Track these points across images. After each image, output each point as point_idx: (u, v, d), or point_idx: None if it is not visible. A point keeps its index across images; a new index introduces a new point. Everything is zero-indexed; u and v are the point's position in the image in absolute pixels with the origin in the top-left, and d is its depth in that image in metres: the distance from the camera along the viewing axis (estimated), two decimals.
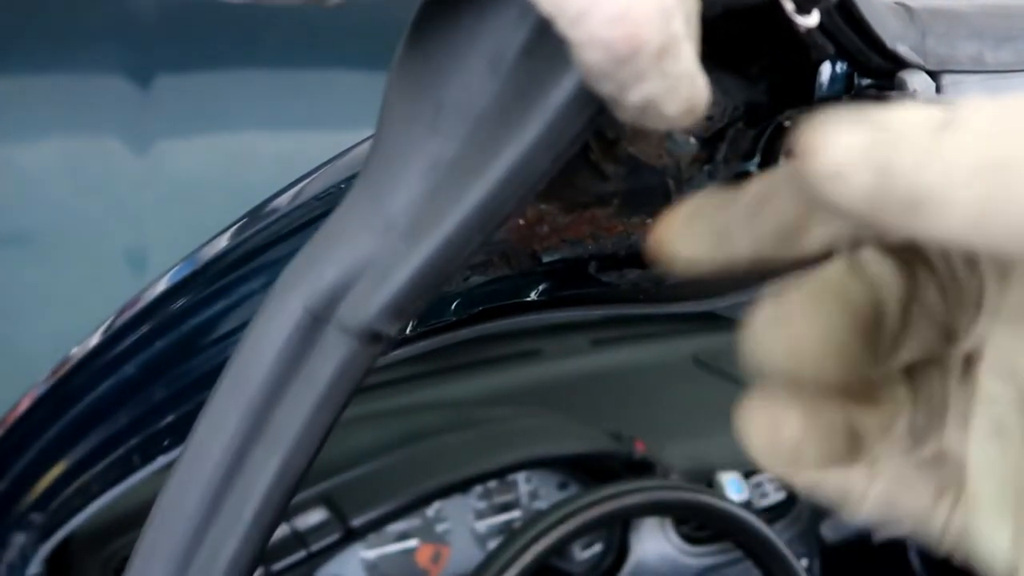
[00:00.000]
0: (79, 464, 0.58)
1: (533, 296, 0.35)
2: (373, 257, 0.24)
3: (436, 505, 0.83)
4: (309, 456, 0.27)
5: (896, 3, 0.30)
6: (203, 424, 0.28)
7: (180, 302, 0.47)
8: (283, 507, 0.27)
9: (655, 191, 0.29)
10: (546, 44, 0.20)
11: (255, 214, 0.42)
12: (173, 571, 0.27)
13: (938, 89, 0.30)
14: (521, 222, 0.35)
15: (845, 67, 0.29)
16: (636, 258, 0.31)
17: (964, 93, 0.31)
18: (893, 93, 0.26)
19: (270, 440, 0.27)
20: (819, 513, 1.04)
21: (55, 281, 1.30)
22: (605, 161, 0.31)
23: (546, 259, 0.34)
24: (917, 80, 0.29)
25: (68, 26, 1.45)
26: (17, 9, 1.39)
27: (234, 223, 0.42)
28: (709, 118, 0.29)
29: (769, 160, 0.27)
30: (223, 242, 0.43)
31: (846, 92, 0.29)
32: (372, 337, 0.25)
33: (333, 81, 1.63)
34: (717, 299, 0.30)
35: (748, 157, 0.27)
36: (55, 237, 1.34)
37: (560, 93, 0.20)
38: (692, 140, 0.28)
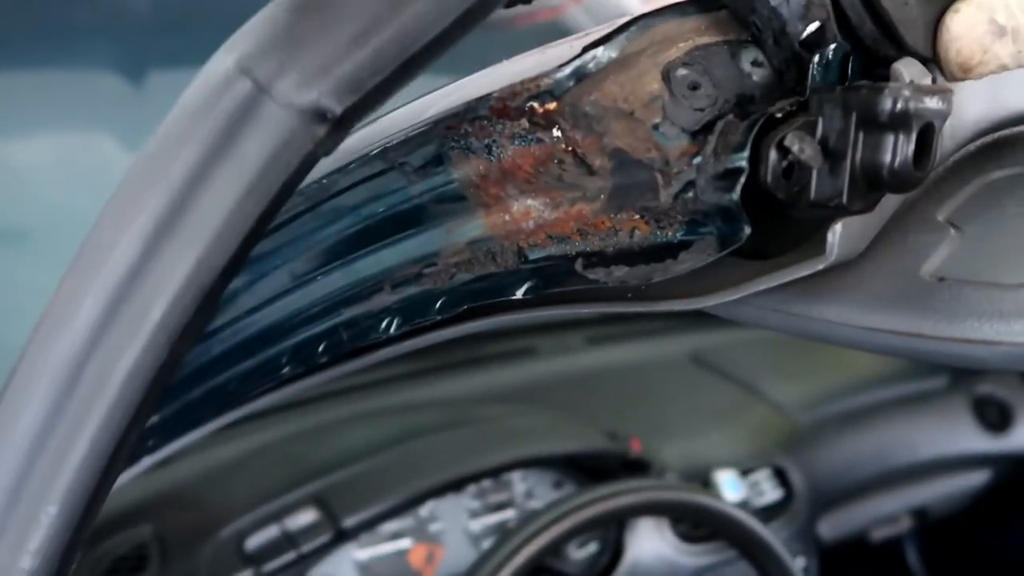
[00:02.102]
0: None
1: (519, 294, 0.34)
2: (328, 31, 0.21)
3: (429, 505, 0.83)
4: (232, 252, 0.22)
5: None
6: (109, 207, 0.23)
7: None
8: (200, 315, 0.23)
9: (643, 185, 0.29)
10: None
11: None
12: (61, 380, 0.23)
13: (935, 79, 0.29)
14: (507, 218, 0.34)
15: (839, 56, 0.28)
16: (624, 255, 0.30)
17: (963, 86, 0.30)
18: (888, 84, 0.25)
19: (189, 224, 0.22)
20: (816, 512, 1.03)
21: (47, 279, 1.29)
22: (592, 155, 0.30)
23: (532, 256, 0.34)
24: (913, 71, 0.28)
25: (60, 22, 1.44)
26: (8, 4, 1.38)
27: None
28: (699, 110, 0.28)
29: (760, 154, 0.26)
30: None
31: (839, 82, 0.28)
32: (319, 115, 0.22)
33: None
34: (705, 297, 0.29)
35: (738, 150, 0.26)
36: (47, 234, 1.33)
37: None
38: (681, 133, 0.28)
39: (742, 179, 0.26)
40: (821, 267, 0.26)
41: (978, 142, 0.30)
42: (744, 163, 0.26)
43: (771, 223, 0.27)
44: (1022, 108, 0.31)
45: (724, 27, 0.30)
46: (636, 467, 0.87)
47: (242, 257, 0.23)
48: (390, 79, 0.22)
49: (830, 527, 1.06)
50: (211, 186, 0.22)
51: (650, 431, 0.91)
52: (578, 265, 0.31)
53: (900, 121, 0.25)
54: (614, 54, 0.29)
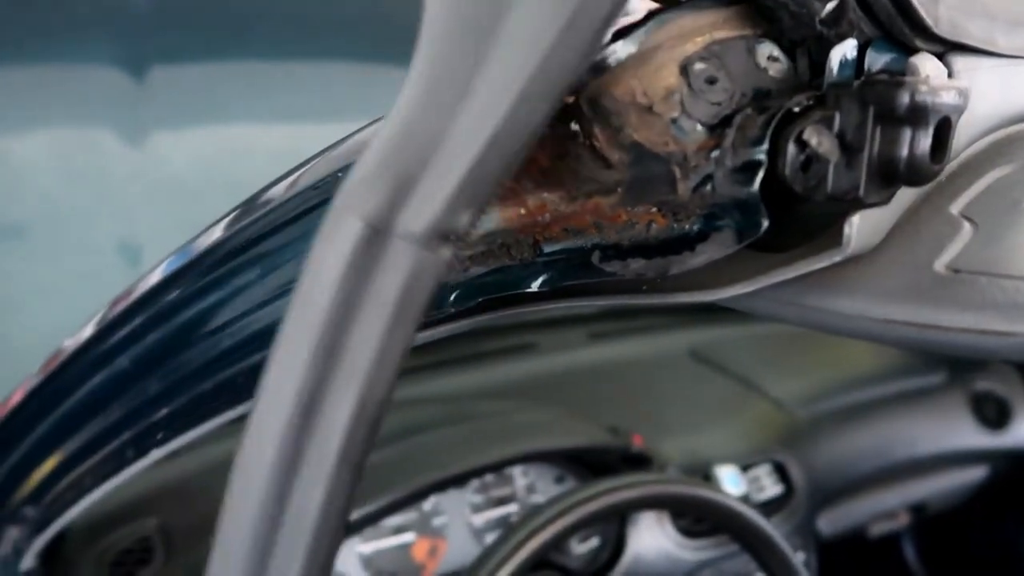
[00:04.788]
0: (73, 457, 0.58)
1: (535, 287, 0.35)
2: (427, 161, 0.23)
3: (432, 499, 0.83)
4: (389, 382, 0.25)
5: None
6: (273, 368, 0.26)
7: (174, 294, 0.46)
8: (370, 442, 0.26)
9: (661, 179, 0.29)
10: None
11: (249, 204, 0.41)
12: (261, 532, 0.26)
13: (950, 74, 0.29)
14: (523, 211, 0.35)
15: (855, 51, 0.28)
16: (640, 247, 0.30)
17: (977, 81, 0.30)
18: (905, 79, 0.26)
19: (346, 370, 0.25)
20: (816, 507, 1.04)
21: (48, 273, 1.29)
22: (610, 148, 0.30)
23: (548, 249, 0.34)
24: (930, 66, 0.28)
25: (61, 17, 1.44)
26: (8, 1, 1.37)
27: (228, 213, 0.42)
28: (716, 103, 0.28)
29: (778, 148, 0.26)
30: (217, 233, 0.42)
31: (856, 77, 0.29)
32: (440, 238, 0.24)
33: (328, 73, 1.62)
34: (721, 290, 0.29)
35: (757, 144, 0.26)
36: (48, 229, 1.33)
37: None
38: (699, 127, 0.28)
39: (761, 172, 0.26)
40: (838, 259, 0.26)
41: (990, 137, 0.31)
42: (763, 156, 0.26)
43: (788, 216, 0.28)
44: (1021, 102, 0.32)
45: (741, 21, 0.30)
46: (637, 462, 0.87)
47: (395, 383, 0.25)
48: (487, 191, 0.24)
49: (829, 522, 1.07)
50: (359, 330, 0.24)
51: (651, 426, 0.92)
52: (595, 258, 0.32)
53: (917, 115, 0.25)
54: (633, 48, 0.29)
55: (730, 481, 0.93)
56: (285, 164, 0.39)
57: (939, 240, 0.27)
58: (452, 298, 0.37)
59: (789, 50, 0.30)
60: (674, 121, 0.28)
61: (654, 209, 0.30)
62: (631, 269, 0.31)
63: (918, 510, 1.17)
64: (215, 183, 1.49)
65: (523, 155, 0.24)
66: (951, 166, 0.30)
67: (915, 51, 0.29)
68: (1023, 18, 0.32)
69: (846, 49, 0.28)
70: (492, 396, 0.92)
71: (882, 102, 0.25)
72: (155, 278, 0.46)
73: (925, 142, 0.25)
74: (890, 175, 0.26)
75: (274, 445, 0.26)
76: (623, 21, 0.30)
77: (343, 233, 0.24)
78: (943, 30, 0.29)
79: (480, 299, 0.36)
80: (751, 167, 0.27)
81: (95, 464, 0.58)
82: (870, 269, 0.27)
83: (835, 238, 0.27)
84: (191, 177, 1.51)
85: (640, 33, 0.29)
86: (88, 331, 0.50)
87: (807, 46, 0.30)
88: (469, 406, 0.91)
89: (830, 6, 0.28)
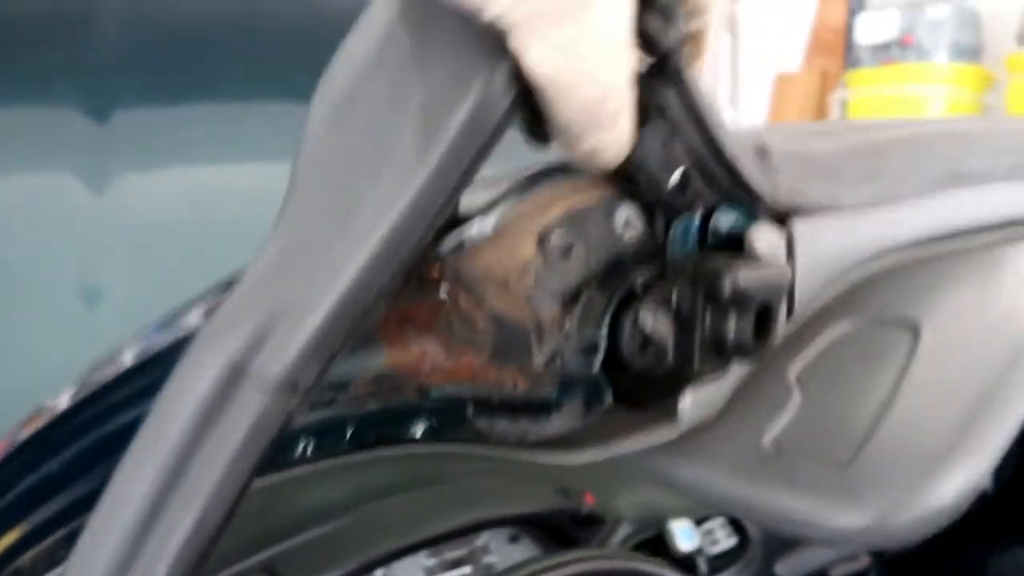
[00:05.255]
0: (35, 532, 0.58)
1: (420, 429, 0.36)
2: (287, 307, 0.25)
3: (384, 568, 0.83)
4: (225, 512, 0.27)
5: (754, 145, 0.31)
6: (117, 480, 0.27)
7: (145, 379, 0.47)
8: (198, 565, 0.27)
9: (520, 347, 0.30)
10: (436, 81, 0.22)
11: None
12: None
13: (790, 239, 0.31)
14: (409, 357, 0.36)
15: (697, 222, 0.30)
16: (508, 404, 0.32)
17: (818, 240, 0.32)
18: (731, 262, 0.27)
19: (185, 495, 0.26)
20: (773, 555, 1.04)
21: (10, 319, 1.29)
22: (474, 315, 0.31)
23: (433, 394, 0.35)
24: (765, 239, 0.29)
25: (27, 62, 1.44)
26: None
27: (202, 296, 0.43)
28: (570, 277, 0.29)
29: (618, 327, 0.28)
30: (193, 319, 0.44)
31: (701, 243, 0.30)
32: (290, 387, 0.25)
33: (300, 113, 1.62)
34: (577, 453, 0.31)
35: (597, 326, 0.28)
36: (10, 275, 1.33)
37: (451, 131, 0.23)
38: (553, 300, 0.29)
39: (600, 355, 0.27)
40: (674, 435, 0.28)
41: (833, 289, 0.32)
42: (602, 340, 0.27)
43: (635, 385, 0.29)
44: (875, 246, 0.33)
45: (600, 184, 0.32)
46: (589, 522, 0.88)
47: (233, 515, 0.27)
48: (336, 347, 0.25)
49: (788, 568, 1.07)
50: (202, 461, 0.26)
51: (602, 483, 0.93)
52: (469, 411, 0.33)
53: (739, 301, 0.26)
54: (491, 226, 0.30)
55: (684, 536, 0.94)
56: (255, 208, 0.40)
57: (772, 409, 0.28)
58: (348, 434, 0.38)
59: (648, 210, 0.32)
60: (529, 295, 0.29)
61: (517, 372, 0.31)
62: (496, 431, 0.32)
63: (878, 552, 1.18)
64: (183, 225, 1.49)
65: (372, 318, 0.26)
66: (796, 323, 0.31)
67: (759, 214, 0.30)
68: (866, 174, 0.33)
69: (690, 221, 0.30)
70: (443, 457, 0.93)
71: (709, 286, 0.27)
72: (129, 359, 0.47)
73: (748, 326, 0.27)
74: (721, 352, 0.27)
75: (106, 556, 0.27)
76: (485, 196, 0.31)
77: (203, 368, 0.26)
78: (782, 199, 0.30)
79: (373, 437, 0.37)
80: (592, 348, 0.28)
81: (58, 541, 0.58)
82: (708, 440, 0.28)
83: (672, 412, 0.28)
84: (156, 220, 1.50)
85: (499, 209, 0.30)
86: (60, 405, 0.51)
87: (663, 208, 0.31)
88: (421, 468, 0.91)
89: (676, 176, 0.30)
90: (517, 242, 0.30)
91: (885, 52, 3.19)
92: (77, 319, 1.32)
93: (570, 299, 0.29)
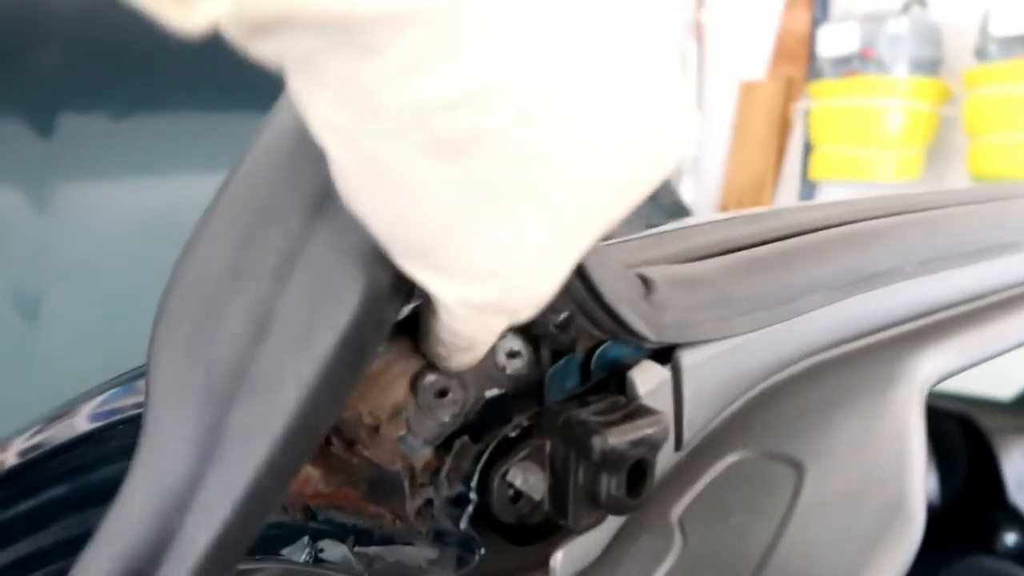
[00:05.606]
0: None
1: (307, 551, 0.35)
2: (167, 538, 0.24)
3: None
4: None
5: (637, 275, 0.31)
6: None
7: (101, 448, 0.45)
8: None
9: (394, 490, 0.29)
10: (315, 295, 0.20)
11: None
12: None
13: (677, 372, 0.30)
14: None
15: (580, 361, 0.29)
16: (388, 539, 0.31)
17: (708, 369, 0.31)
18: (601, 426, 0.26)
19: None
20: None
21: None
22: (348, 457, 0.30)
23: (320, 516, 0.34)
24: (647, 377, 0.29)
25: None
26: None
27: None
28: (442, 423, 0.28)
29: (489, 481, 0.27)
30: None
31: (582, 382, 0.29)
32: None
33: (248, 127, 1.60)
34: None
35: (467, 480, 0.27)
36: None
37: (329, 341, 0.22)
38: (425, 444, 0.28)
39: (470, 509, 0.26)
40: None
41: (721, 417, 0.31)
42: (472, 494, 0.26)
43: (510, 534, 0.28)
44: (771, 365, 0.33)
45: None
46: None
47: None
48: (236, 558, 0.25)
49: None
50: None
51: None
52: (349, 543, 0.32)
53: (609, 462, 0.26)
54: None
55: None
56: None
57: (653, 556, 0.27)
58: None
59: (534, 342, 0.31)
60: (401, 439, 0.28)
61: (390, 514, 0.30)
62: (374, 569, 0.31)
63: None
64: (129, 242, 1.46)
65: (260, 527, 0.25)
66: (682, 456, 0.30)
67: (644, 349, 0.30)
68: (761, 296, 0.33)
69: (571, 360, 0.29)
70: None
71: (579, 447, 0.26)
72: (82, 423, 0.46)
73: (621, 484, 0.26)
74: (596, 506, 0.26)
75: None
76: None
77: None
78: (667, 335, 0.30)
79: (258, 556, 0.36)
80: (463, 501, 0.27)
81: None
82: None
83: (543, 565, 0.27)
84: (101, 237, 1.47)
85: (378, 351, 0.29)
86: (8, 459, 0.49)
87: (548, 341, 0.30)
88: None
89: (561, 317, 0.29)
90: (388, 387, 0.29)
91: (846, 64, 3.22)
92: (16, 337, 1.28)
93: (443, 445, 0.28)
